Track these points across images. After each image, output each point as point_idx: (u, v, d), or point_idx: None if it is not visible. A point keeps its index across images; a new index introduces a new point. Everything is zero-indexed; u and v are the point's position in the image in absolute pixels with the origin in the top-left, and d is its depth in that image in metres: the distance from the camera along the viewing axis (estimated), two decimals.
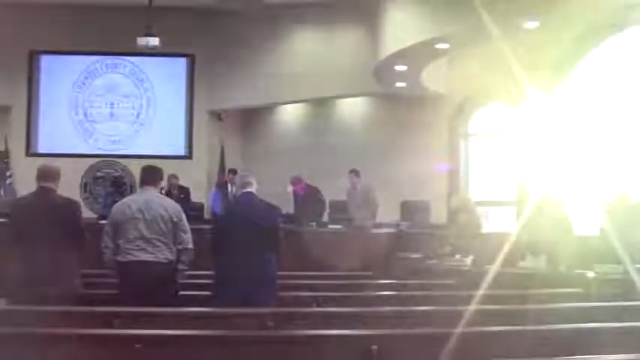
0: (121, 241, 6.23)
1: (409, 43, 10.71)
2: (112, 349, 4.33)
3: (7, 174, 15.02)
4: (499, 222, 12.97)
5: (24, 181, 13.10)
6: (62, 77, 16.09)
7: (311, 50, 14.56)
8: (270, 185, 12.72)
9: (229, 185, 14.20)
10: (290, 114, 16.05)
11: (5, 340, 4.33)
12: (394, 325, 5.00)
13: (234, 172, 14.49)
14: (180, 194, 12.75)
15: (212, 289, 6.38)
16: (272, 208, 6.54)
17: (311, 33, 14.68)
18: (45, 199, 6.25)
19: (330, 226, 12.12)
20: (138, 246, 6.18)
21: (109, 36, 15.13)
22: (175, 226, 6.28)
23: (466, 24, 9.70)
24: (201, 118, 16.15)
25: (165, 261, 6.21)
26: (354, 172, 12.21)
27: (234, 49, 15.49)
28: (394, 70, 11.92)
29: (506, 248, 7.29)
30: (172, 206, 6.40)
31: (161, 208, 6.28)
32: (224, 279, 6.25)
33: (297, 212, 12.80)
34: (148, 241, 6.18)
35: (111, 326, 4.81)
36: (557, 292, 6.81)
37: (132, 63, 16.16)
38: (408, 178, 13.06)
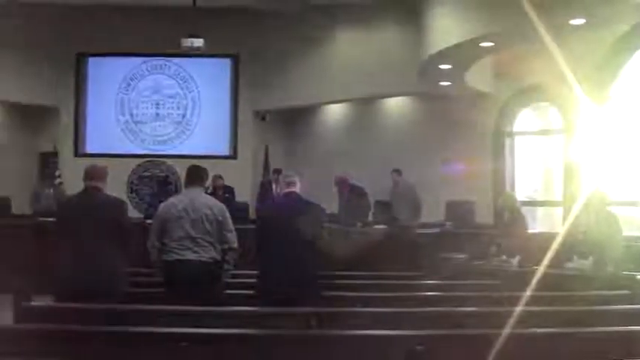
0: (166, 241, 6.26)
1: (454, 41, 10.63)
2: (158, 346, 4.37)
3: (56, 174, 15.23)
4: (545, 222, 12.84)
5: (72, 181, 13.26)
6: (109, 79, 16.29)
7: (355, 50, 14.53)
8: (314, 185, 12.74)
9: (274, 185, 14.24)
10: (334, 114, 16.04)
11: (53, 337, 4.40)
12: (439, 325, 4.97)
13: (278, 171, 14.52)
14: (225, 194, 12.80)
15: (256, 288, 6.39)
16: (316, 208, 6.52)
17: (355, 32, 14.65)
18: (92, 199, 6.31)
19: (374, 226, 12.09)
20: (183, 245, 6.21)
21: (154, 38, 15.28)
22: (220, 225, 6.31)
23: (511, 22, 9.59)
24: (245, 119, 16.22)
25: (210, 260, 6.24)
26: (397, 172, 12.17)
27: (279, 50, 15.54)
28: (439, 69, 11.84)
29: (552, 249, 7.21)
30: (217, 206, 6.43)
31: (206, 207, 6.32)
32: (268, 278, 6.26)
33: (342, 212, 12.79)
34: (193, 240, 6.21)
35: (157, 324, 4.86)
36: (605, 294, 6.72)
37: (177, 64, 16.30)
38: (453, 178, 12.97)
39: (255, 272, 6.56)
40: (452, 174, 12.84)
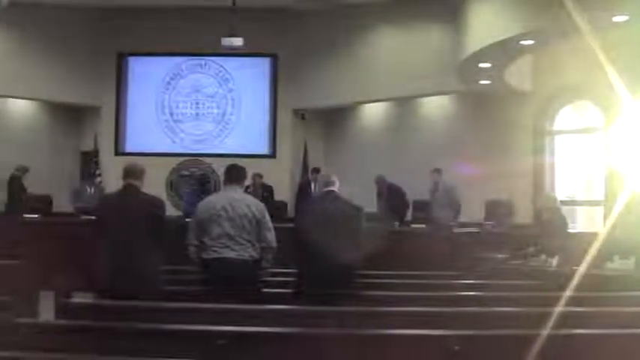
0: (205, 239, 6.29)
1: (494, 39, 10.56)
2: (196, 344, 4.39)
3: (97, 173, 15.42)
4: (586, 222, 12.69)
5: (112, 179, 13.44)
6: (149, 78, 16.45)
7: (393, 48, 14.49)
8: (352, 184, 12.73)
9: (312, 184, 14.27)
10: (373, 112, 16.00)
11: (92, 333, 4.46)
12: (477, 326, 4.94)
13: (317, 170, 14.58)
14: (263, 193, 12.87)
15: (294, 287, 6.40)
16: (354, 207, 6.52)
17: (393, 31, 14.61)
18: (130, 197, 6.37)
19: (413, 226, 12.05)
20: (222, 243, 6.22)
21: (193, 37, 15.40)
22: (259, 224, 6.31)
23: (552, 19, 9.51)
24: (284, 118, 16.27)
25: (249, 258, 6.25)
26: (437, 171, 12.11)
27: (318, 49, 15.57)
28: (478, 67, 11.78)
29: (593, 249, 7.12)
30: (256, 204, 6.44)
31: (245, 206, 6.33)
32: (306, 277, 6.27)
33: (381, 211, 12.78)
34: (231, 238, 6.23)
35: (196, 322, 4.89)
36: None
37: (216, 63, 16.40)
38: (492, 177, 12.86)
39: (293, 271, 6.58)
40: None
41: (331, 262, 6.18)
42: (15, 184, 14.42)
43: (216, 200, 6.43)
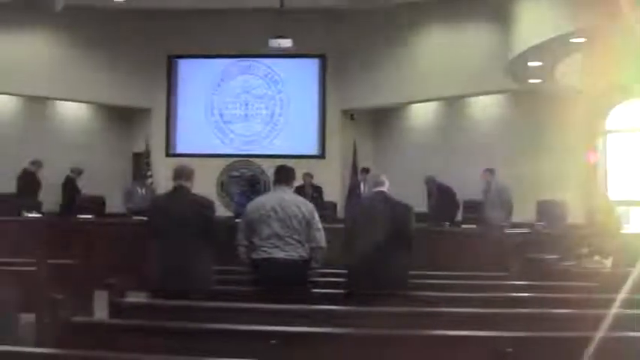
0: (255, 239, 6.33)
1: (543, 37, 10.44)
2: (248, 344, 4.42)
3: (148, 174, 15.61)
4: None
5: (163, 180, 13.60)
6: (199, 80, 16.60)
7: (442, 48, 14.42)
8: (401, 184, 12.70)
9: (361, 184, 14.27)
10: (422, 112, 15.92)
11: (144, 332, 4.51)
12: (528, 327, 4.89)
13: (366, 170, 14.59)
14: (313, 193, 12.90)
15: (345, 287, 6.40)
16: (404, 207, 6.49)
17: (442, 30, 14.54)
18: (180, 198, 6.45)
19: (463, 226, 11.97)
20: (272, 244, 6.26)
21: (242, 39, 15.53)
22: (309, 224, 6.33)
23: (603, 16, 9.37)
24: (333, 118, 16.29)
25: (298, 259, 6.27)
26: (489, 171, 12.02)
27: (366, 49, 15.56)
28: (528, 66, 11.65)
29: None
30: (306, 205, 6.46)
31: (295, 206, 6.36)
32: (357, 277, 6.26)
33: (431, 212, 12.73)
34: (281, 238, 6.26)
35: (246, 322, 4.92)
36: None
37: (265, 64, 16.48)
38: (544, 177, 12.72)
39: (342, 271, 6.58)
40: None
41: (381, 263, 6.17)
42: (69, 185, 14.70)
43: (265, 201, 6.46)
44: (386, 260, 6.17)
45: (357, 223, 6.51)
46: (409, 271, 6.42)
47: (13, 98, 15.39)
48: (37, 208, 12.89)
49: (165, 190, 7.27)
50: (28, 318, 7.64)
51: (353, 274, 6.36)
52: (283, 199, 6.39)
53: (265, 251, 6.27)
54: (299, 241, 6.29)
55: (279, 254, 6.24)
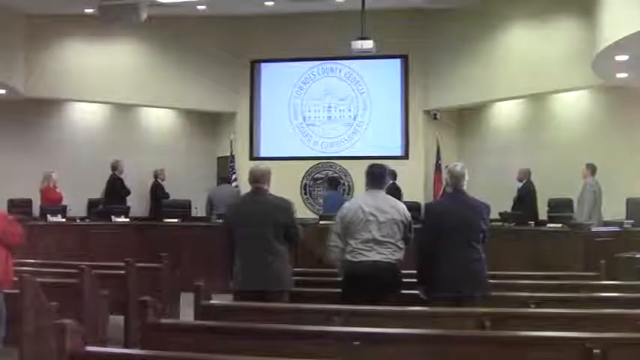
0: (352, 242, 6.29)
1: (631, 30, 10.17)
2: (333, 345, 4.44)
3: (233, 177, 15.81)
4: None
5: (248, 184, 13.74)
6: (282, 84, 16.75)
7: (525, 44, 14.17)
8: (485, 182, 12.59)
9: (443, 184, 14.17)
10: (506, 110, 15.69)
11: (229, 333, 4.59)
12: (617, 328, 4.78)
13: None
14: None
15: (421, 287, 6.35)
16: (480, 205, 6.40)
17: (525, 26, 14.28)
18: (258, 199, 6.53)
19: (549, 225, 11.76)
20: (370, 247, 6.23)
21: (324, 42, 15.61)
22: (405, 227, 6.35)
23: None
24: (416, 118, 16.21)
25: (395, 262, 6.26)
26: (589, 167, 11.93)
27: (447, 48, 15.45)
28: (614, 60, 11.36)
29: None
30: (402, 208, 6.43)
31: (393, 210, 6.34)
32: (436, 278, 6.19)
33: (517, 210, 12.61)
34: (379, 242, 6.23)
35: (328, 323, 4.95)
36: None
37: (347, 66, 16.52)
38: (632, 175, 12.40)
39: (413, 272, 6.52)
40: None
41: (459, 262, 6.13)
42: (157, 189, 15.06)
43: (363, 203, 6.39)
44: (466, 260, 6.12)
45: (436, 223, 6.40)
46: (488, 272, 6.30)
47: (102, 106, 15.86)
48: (126, 213, 13.24)
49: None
50: (117, 320, 7.87)
51: (432, 275, 6.24)
52: (381, 201, 6.37)
53: (363, 254, 6.23)
54: (395, 244, 6.28)
55: (377, 257, 6.21)
